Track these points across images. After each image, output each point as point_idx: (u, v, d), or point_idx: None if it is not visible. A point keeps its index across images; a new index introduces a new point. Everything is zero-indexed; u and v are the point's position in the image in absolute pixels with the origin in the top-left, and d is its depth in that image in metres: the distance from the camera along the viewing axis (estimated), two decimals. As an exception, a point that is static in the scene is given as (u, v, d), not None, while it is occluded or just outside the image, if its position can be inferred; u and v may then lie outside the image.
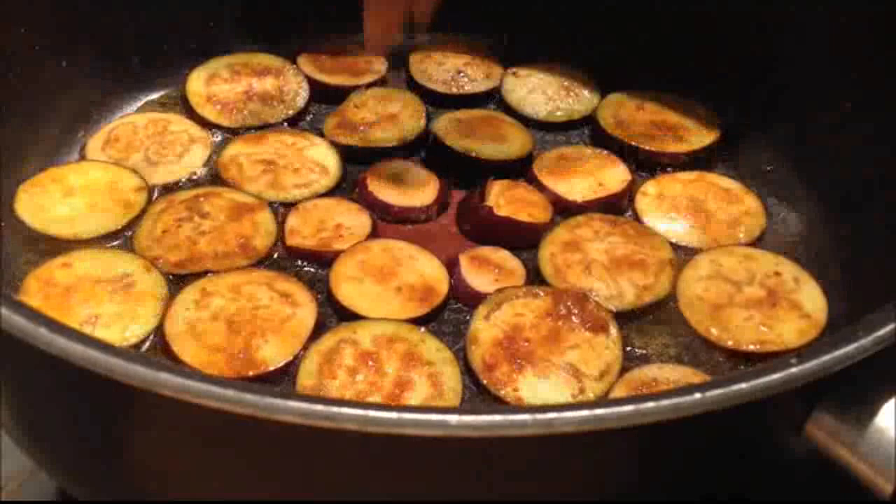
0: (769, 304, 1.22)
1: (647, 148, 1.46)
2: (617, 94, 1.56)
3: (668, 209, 1.38)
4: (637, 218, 1.37)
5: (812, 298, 1.23)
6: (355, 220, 1.32)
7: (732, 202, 1.39)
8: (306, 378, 1.09)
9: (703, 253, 1.30)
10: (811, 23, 1.41)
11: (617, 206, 1.38)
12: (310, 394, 1.07)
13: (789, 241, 1.35)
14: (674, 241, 1.33)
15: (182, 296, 1.18)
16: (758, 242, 1.34)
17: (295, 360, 1.12)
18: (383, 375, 1.09)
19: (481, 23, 1.67)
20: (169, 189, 1.37)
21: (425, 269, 1.25)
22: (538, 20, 1.66)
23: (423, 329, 1.16)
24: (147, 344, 1.15)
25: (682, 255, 1.31)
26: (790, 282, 1.25)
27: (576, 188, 1.38)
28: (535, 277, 1.26)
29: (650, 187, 1.41)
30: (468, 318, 1.18)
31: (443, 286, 1.23)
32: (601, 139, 1.50)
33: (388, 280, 1.23)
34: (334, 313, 1.20)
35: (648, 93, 1.56)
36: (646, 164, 1.45)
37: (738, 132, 1.50)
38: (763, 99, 1.48)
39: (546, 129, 1.54)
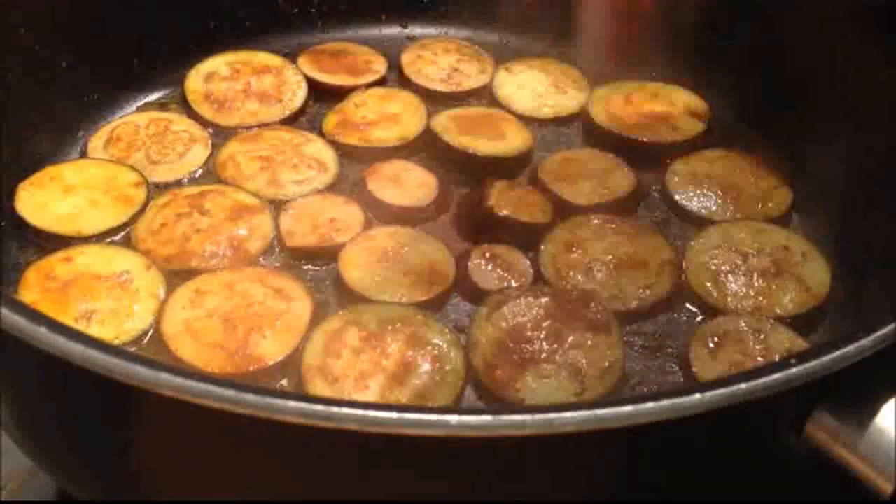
0: (773, 274, 1.25)
1: (645, 140, 1.46)
2: (602, 89, 1.56)
3: (698, 185, 1.39)
4: (668, 194, 1.39)
5: (816, 274, 1.25)
6: (345, 211, 1.33)
7: (760, 177, 1.41)
8: (312, 357, 1.10)
9: (716, 224, 1.32)
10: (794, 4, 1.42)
11: (623, 209, 1.37)
12: (315, 374, 1.08)
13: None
14: (706, 216, 1.35)
15: (176, 295, 1.18)
16: (787, 216, 1.36)
17: (295, 354, 1.12)
18: (387, 356, 1.10)
19: (472, 18, 1.67)
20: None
21: (432, 253, 1.26)
22: (528, 12, 1.66)
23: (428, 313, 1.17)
24: (146, 340, 1.15)
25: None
26: (797, 256, 1.27)
27: (582, 192, 1.37)
28: (535, 278, 1.26)
29: (680, 165, 1.42)
30: (469, 317, 1.19)
31: (449, 269, 1.24)
32: (595, 134, 1.50)
33: (395, 265, 1.24)
34: (342, 301, 1.21)
35: (631, 84, 1.56)
36: (643, 157, 1.44)
37: (728, 119, 1.52)
38: (753, 86, 1.49)
39: (538, 125, 1.52)
